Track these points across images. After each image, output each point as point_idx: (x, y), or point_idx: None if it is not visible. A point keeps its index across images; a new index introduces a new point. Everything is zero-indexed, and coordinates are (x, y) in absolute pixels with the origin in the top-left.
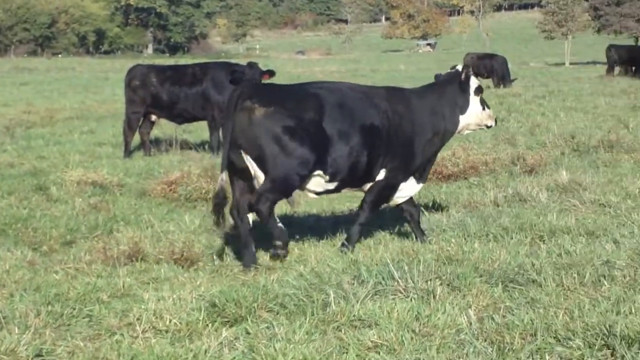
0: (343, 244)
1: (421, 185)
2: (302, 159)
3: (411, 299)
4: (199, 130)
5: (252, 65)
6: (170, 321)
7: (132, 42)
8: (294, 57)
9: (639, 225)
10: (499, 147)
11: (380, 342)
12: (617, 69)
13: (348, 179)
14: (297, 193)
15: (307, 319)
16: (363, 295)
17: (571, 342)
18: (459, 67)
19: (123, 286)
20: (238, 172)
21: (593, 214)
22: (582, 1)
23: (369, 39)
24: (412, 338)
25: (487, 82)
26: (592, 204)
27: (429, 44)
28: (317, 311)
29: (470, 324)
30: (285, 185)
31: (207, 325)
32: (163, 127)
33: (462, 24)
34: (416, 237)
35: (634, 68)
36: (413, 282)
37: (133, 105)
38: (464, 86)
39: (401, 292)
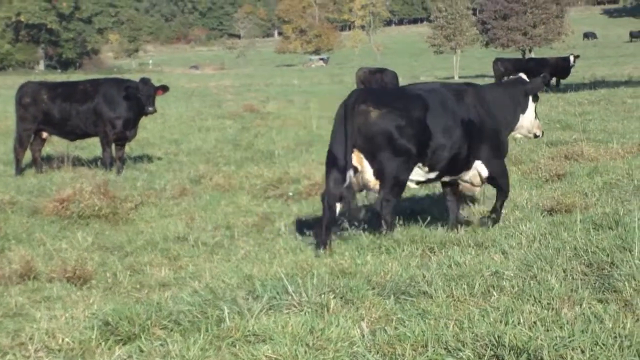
0: (489, 218)
1: None
2: (408, 155)
3: (305, 313)
4: (91, 146)
5: (145, 81)
6: (62, 340)
7: (24, 59)
8: (187, 72)
9: (526, 236)
10: None
11: (275, 356)
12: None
13: (447, 168)
14: None
15: (202, 335)
16: (257, 310)
17: (461, 353)
18: (522, 75)
19: (15, 305)
20: (337, 166)
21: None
22: (469, 15)
23: (262, 53)
24: (305, 352)
25: None
26: (481, 215)
27: (321, 59)
28: (212, 327)
29: (363, 336)
30: (399, 182)
31: (100, 343)
32: (55, 144)
33: (354, 38)
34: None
35: None
36: (307, 296)
37: (24, 123)
38: (528, 90)
39: (295, 307)
